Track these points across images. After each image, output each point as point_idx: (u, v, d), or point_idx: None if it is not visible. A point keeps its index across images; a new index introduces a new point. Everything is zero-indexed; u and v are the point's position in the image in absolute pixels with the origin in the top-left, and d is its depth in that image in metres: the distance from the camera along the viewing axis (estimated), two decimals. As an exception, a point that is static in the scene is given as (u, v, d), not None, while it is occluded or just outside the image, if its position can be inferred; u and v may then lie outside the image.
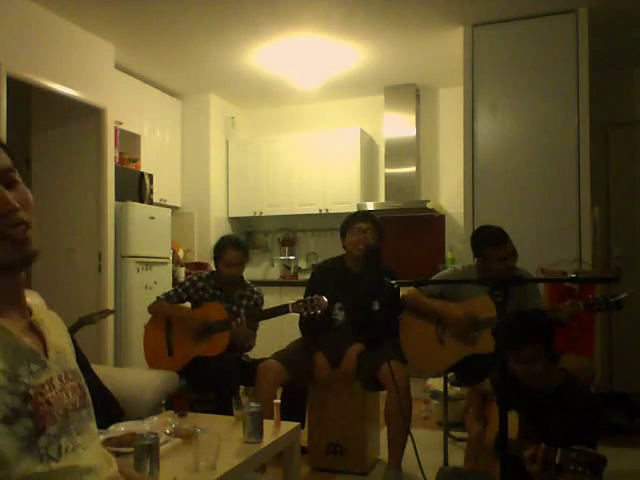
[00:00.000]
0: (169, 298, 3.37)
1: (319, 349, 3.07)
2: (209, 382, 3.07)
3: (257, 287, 3.48)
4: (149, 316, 3.39)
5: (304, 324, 3.17)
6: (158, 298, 3.39)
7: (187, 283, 3.42)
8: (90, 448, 0.94)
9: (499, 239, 2.89)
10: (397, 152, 5.58)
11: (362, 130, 5.71)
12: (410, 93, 5.59)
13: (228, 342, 3.12)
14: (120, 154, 4.91)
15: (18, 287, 0.94)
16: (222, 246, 3.35)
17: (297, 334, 3.33)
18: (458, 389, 3.74)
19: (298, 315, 3.09)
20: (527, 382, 2.12)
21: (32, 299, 0.99)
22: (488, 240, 2.92)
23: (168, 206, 5.38)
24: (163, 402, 2.95)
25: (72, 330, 2.83)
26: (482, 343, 2.79)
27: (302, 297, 3.07)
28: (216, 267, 3.40)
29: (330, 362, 3.06)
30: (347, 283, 3.14)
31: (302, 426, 2.69)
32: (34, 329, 0.94)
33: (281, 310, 3.05)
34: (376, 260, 3.03)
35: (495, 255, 2.87)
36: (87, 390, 1.00)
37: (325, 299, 2.95)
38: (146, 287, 4.68)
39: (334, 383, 3.07)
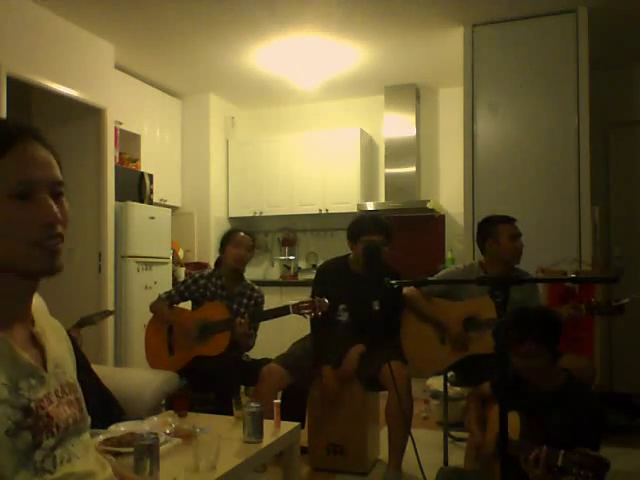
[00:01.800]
0: (171, 297, 3.36)
1: (327, 362, 3.06)
2: (209, 382, 3.07)
3: (257, 286, 3.48)
4: (149, 316, 3.39)
5: (313, 324, 3.19)
6: (159, 297, 3.38)
7: (189, 281, 3.42)
8: (84, 457, 0.94)
9: (510, 217, 3.03)
10: (397, 152, 5.58)
11: (362, 130, 5.71)
12: (410, 93, 5.59)
13: (229, 342, 3.13)
14: (120, 154, 4.90)
15: (30, 297, 0.94)
16: (232, 231, 3.50)
17: (298, 335, 3.33)
18: (458, 389, 3.74)
19: (298, 316, 3.10)
20: (526, 377, 2.12)
21: (34, 300, 0.99)
22: (500, 218, 3.03)
23: (168, 206, 5.38)
24: (163, 402, 2.95)
25: (71, 331, 2.83)
26: (482, 344, 2.79)
27: (303, 297, 3.09)
28: (221, 254, 3.42)
29: (332, 362, 3.06)
30: (351, 284, 3.13)
31: (302, 426, 2.69)
32: (35, 341, 0.94)
33: (282, 311, 3.06)
34: (377, 260, 3.03)
35: (507, 232, 2.96)
36: (84, 403, 1.00)
37: (326, 301, 2.95)
38: (146, 287, 4.68)
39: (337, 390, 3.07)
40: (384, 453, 3.10)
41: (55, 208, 0.88)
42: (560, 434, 1.94)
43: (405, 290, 3.13)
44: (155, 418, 2.31)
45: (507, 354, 1.99)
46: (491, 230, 3.01)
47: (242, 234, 3.40)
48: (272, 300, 3.46)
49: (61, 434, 0.89)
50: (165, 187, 5.47)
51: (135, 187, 4.89)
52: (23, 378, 0.85)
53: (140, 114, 5.21)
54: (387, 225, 3.15)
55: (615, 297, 2.67)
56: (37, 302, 1.01)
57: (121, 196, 4.59)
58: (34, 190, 0.87)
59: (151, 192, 5.06)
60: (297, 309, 2.99)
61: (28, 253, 0.86)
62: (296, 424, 2.39)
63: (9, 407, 0.80)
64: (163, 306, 3.34)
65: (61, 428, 0.89)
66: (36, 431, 0.83)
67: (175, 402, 2.54)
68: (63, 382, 0.95)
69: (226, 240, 3.40)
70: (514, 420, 1.97)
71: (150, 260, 4.78)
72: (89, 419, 1.02)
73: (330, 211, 5.67)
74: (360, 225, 3.14)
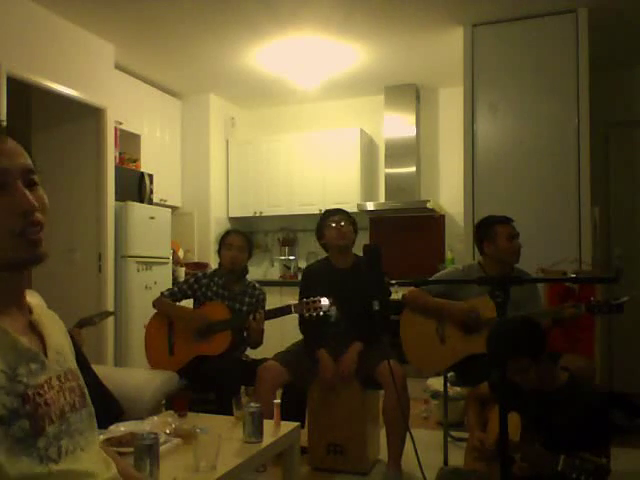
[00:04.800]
0: (173, 294, 3.38)
1: (322, 346, 3.08)
2: (209, 382, 3.07)
3: (258, 285, 3.48)
4: (149, 316, 3.39)
5: (304, 324, 3.18)
6: (162, 294, 3.40)
7: (191, 279, 3.43)
8: (89, 451, 0.94)
9: (507, 218, 3.03)
10: (397, 152, 5.58)
11: (362, 130, 5.71)
12: (410, 93, 5.59)
13: (229, 341, 3.13)
14: (120, 154, 4.90)
15: (22, 286, 0.94)
16: (225, 233, 3.50)
17: (297, 334, 3.33)
18: (458, 389, 3.74)
19: (297, 315, 3.11)
20: (529, 386, 2.11)
21: (32, 299, 0.99)
22: (498, 219, 3.03)
23: (168, 206, 5.38)
24: (163, 402, 2.95)
25: (72, 331, 2.83)
26: (482, 343, 2.79)
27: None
28: (219, 256, 3.43)
29: (327, 350, 3.07)
30: (334, 280, 3.16)
31: (302, 426, 2.69)
32: (34, 328, 0.94)
33: (284, 311, 3.07)
34: (378, 260, 3.02)
35: (505, 233, 2.96)
36: (86, 390, 1.00)
37: (326, 301, 2.96)
38: (146, 287, 4.68)
39: (336, 382, 3.06)
40: (384, 453, 3.09)
41: (30, 196, 0.89)
42: (562, 435, 1.94)
43: (405, 290, 3.13)
44: (155, 418, 2.32)
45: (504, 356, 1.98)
46: (488, 231, 3.01)
47: (233, 235, 3.41)
48: (272, 300, 3.47)
49: (62, 421, 0.89)
50: (165, 187, 5.47)
51: (135, 187, 4.89)
52: (23, 364, 0.85)
53: (140, 114, 5.21)
54: (346, 211, 3.30)
55: (615, 297, 2.67)
56: (36, 300, 1.01)
57: (121, 196, 4.59)
58: (7, 180, 0.88)
59: (151, 192, 5.06)
60: (298, 308, 3.01)
61: (11, 244, 0.87)
62: (296, 424, 2.39)
63: (4, 394, 0.80)
64: (167, 301, 3.35)
65: (60, 415, 0.89)
66: (35, 418, 0.83)
67: (175, 402, 2.54)
68: (65, 368, 0.95)
69: (220, 243, 3.43)
70: (514, 421, 1.97)
71: (150, 260, 4.78)
72: (92, 407, 1.01)
73: (330, 211, 5.66)
74: (320, 219, 3.30)
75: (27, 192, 0.89)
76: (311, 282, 3.25)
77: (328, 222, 3.19)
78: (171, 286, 4.56)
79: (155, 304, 3.37)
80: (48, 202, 0.94)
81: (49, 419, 0.86)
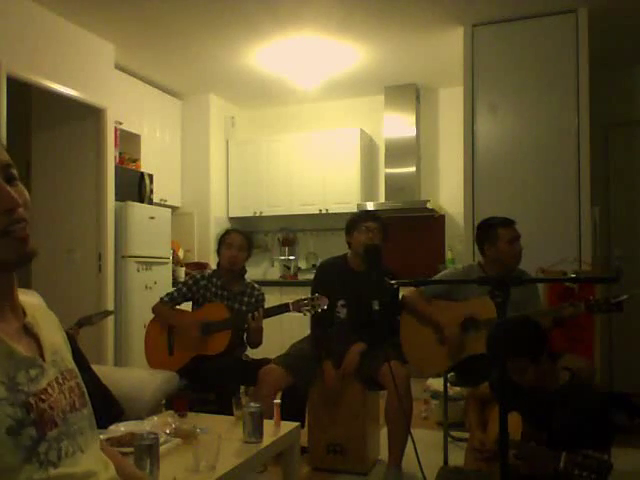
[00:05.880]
0: (173, 299, 3.35)
1: (328, 357, 3.06)
2: (209, 382, 3.07)
3: (257, 285, 3.48)
4: (149, 316, 3.39)
5: (313, 322, 3.19)
6: (161, 299, 3.38)
7: (190, 281, 3.42)
8: (89, 451, 0.93)
9: (510, 220, 3.00)
10: (397, 152, 5.58)
11: (362, 130, 5.71)
12: (410, 93, 5.59)
13: (229, 341, 3.13)
14: (120, 154, 4.90)
15: (13, 287, 0.92)
16: (225, 232, 3.48)
17: (297, 335, 3.33)
18: (458, 389, 3.74)
19: (297, 314, 3.11)
20: (528, 385, 2.11)
21: (32, 299, 0.99)
22: (500, 221, 3.01)
23: (168, 206, 5.38)
24: (163, 402, 2.95)
25: (70, 330, 2.83)
26: (482, 344, 2.79)
27: (305, 295, 3.10)
28: (218, 256, 3.42)
29: (333, 357, 3.07)
30: (350, 281, 3.15)
31: (302, 426, 2.69)
32: (28, 331, 0.92)
33: (281, 309, 3.08)
34: (378, 260, 3.03)
35: (507, 236, 2.94)
36: (85, 389, 0.99)
37: (325, 298, 2.97)
38: (146, 287, 4.68)
39: (338, 389, 3.07)
40: (384, 453, 3.09)
41: (12, 192, 0.85)
42: (563, 434, 1.94)
43: (404, 292, 3.13)
44: (155, 418, 2.32)
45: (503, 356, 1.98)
46: (490, 233, 3.00)
47: (234, 234, 3.39)
48: (272, 300, 3.47)
49: (64, 423, 0.88)
50: (165, 187, 5.47)
51: (135, 187, 4.89)
52: (21, 372, 0.84)
53: (140, 114, 5.21)
54: (382, 219, 3.20)
55: (614, 295, 2.67)
56: (35, 300, 1.00)
57: (121, 196, 4.59)
58: None
59: (151, 192, 5.06)
60: (297, 307, 3.01)
61: None
62: (296, 424, 2.39)
63: (8, 406, 0.79)
64: (166, 308, 3.34)
65: (63, 416, 0.88)
66: (41, 425, 0.83)
67: (175, 402, 2.54)
68: (63, 368, 0.94)
69: (220, 242, 3.41)
70: (515, 420, 1.97)
71: (150, 260, 4.78)
72: (91, 406, 1.01)
73: (330, 211, 5.67)
74: (356, 216, 3.23)
75: (9, 188, 0.85)
76: (324, 279, 3.25)
77: (361, 225, 3.11)
78: (171, 286, 4.58)
79: (155, 311, 3.36)
80: (29, 197, 0.91)
81: (52, 423, 0.85)
